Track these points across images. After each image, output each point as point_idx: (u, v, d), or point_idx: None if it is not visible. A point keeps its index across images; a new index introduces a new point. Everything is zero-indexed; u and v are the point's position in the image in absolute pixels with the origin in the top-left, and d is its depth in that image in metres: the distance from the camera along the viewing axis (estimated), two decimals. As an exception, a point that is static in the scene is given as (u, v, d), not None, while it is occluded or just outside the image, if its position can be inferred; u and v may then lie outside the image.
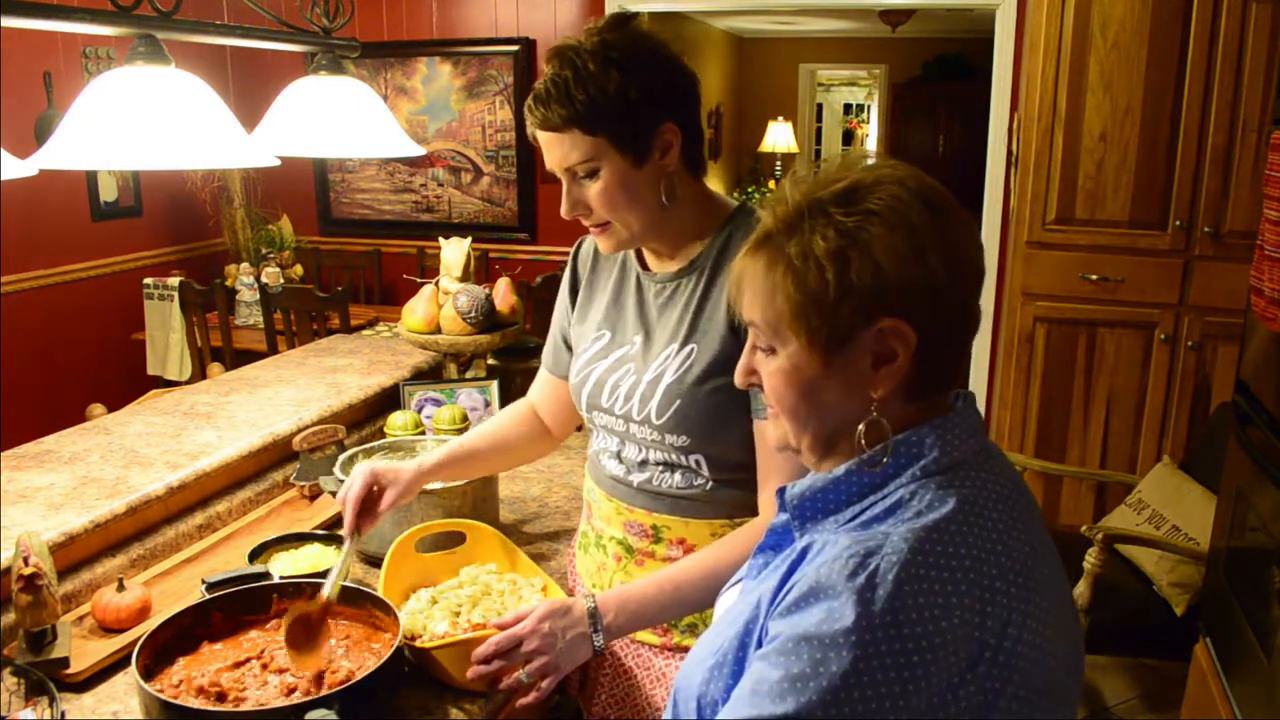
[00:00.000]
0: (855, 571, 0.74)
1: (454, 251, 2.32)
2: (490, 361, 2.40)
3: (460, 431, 1.98)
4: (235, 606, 1.33)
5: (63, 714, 1.21)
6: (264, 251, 4.81)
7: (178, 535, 1.71)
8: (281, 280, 4.52)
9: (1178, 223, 3.10)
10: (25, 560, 1.31)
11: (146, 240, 4.89)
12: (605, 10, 4.43)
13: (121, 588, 1.44)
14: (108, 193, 4.63)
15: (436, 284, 2.28)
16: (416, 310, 2.24)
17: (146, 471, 1.72)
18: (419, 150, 1.87)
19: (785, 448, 0.90)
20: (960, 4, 4.53)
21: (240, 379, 2.31)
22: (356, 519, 1.38)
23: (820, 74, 9.82)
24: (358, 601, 1.34)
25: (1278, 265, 1.95)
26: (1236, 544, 2.18)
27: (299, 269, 4.92)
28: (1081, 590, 2.45)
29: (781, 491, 0.89)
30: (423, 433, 2.01)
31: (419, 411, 2.15)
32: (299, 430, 1.90)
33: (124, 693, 1.31)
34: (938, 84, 8.27)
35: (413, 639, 1.31)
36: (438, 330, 2.24)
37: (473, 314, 2.19)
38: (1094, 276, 3.22)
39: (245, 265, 4.63)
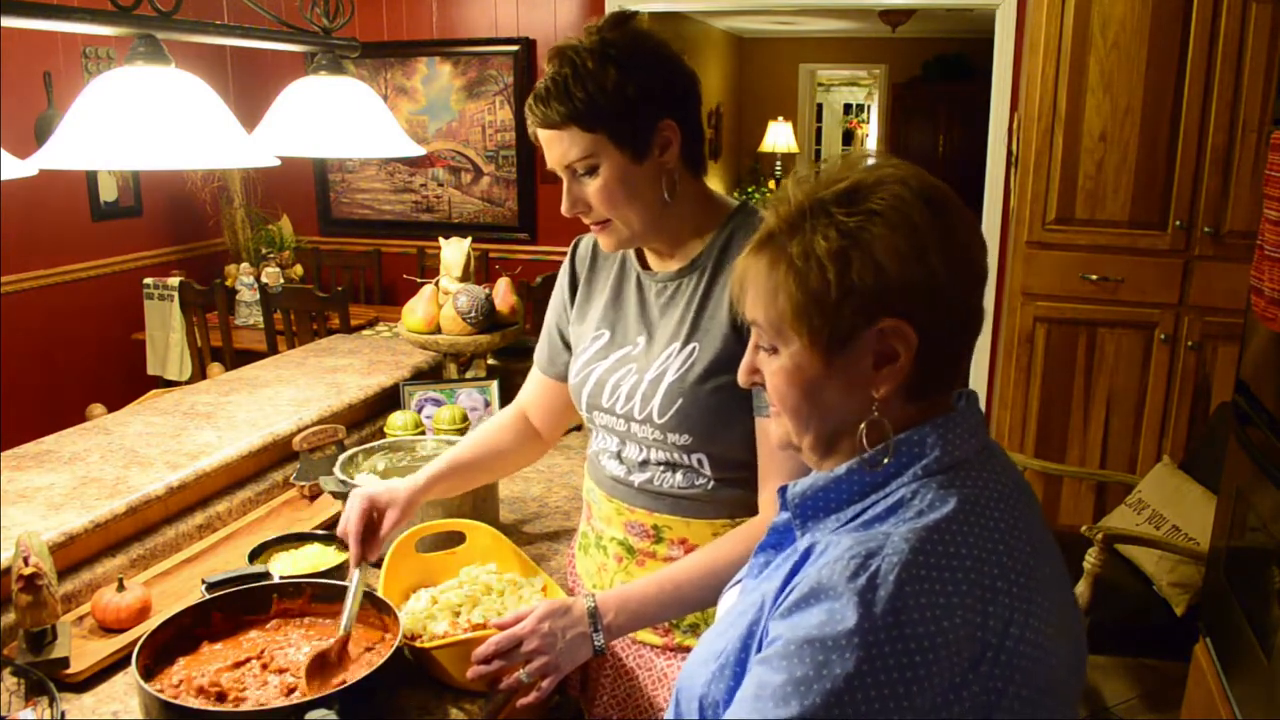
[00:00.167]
0: (856, 573, 0.74)
1: (454, 251, 2.32)
2: (490, 361, 2.40)
3: (461, 431, 1.98)
4: (235, 606, 1.33)
5: (63, 714, 1.21)
6: (264, 251, 4.81)
7: (178, 535, 1.71)
8: (281, 280, 4.52)
9: (1178, 223, 3.10)
10: (25, 560, 1.31)
11: (146, 240, 4.89)
12: (605, 10, 4.43)
13: (121, 588, 1.44)
14: (108, 193, 4.63)
15: (436, 284, 2.28)
16: (416, 310, 2.24)
17: (146, 471, 1.72)
18: (419, 150, 1.87)
19: (787, 446, 0.91)
20: (960, 4, 4.53)
21: (240, 379, 2.31)
22: (361, 549, 1.37)
23: (820, 74, 9.82)
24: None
25: (1278, 265, 1.95)
26: (1236, 544, 2.18)
27: (299, 269, 4.92)
28: (1081, 590, 2.45)
29: (783, 490, 0.89)
30: (423, 433, 2.01)
31: (419, 411, 2.15)
32: (299, 430, 1.90)
33: (124, 693, 1.31)
34: (938, 84, 8.27)
35: (413, 639, 1.31)
36: (438, 330, 2.24)
37: (473, 314, 2.19)
38: (1094, 276, 3.22)
39: (245, 265, 4.63)
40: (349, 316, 3.91)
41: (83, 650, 1.37)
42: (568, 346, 1.49)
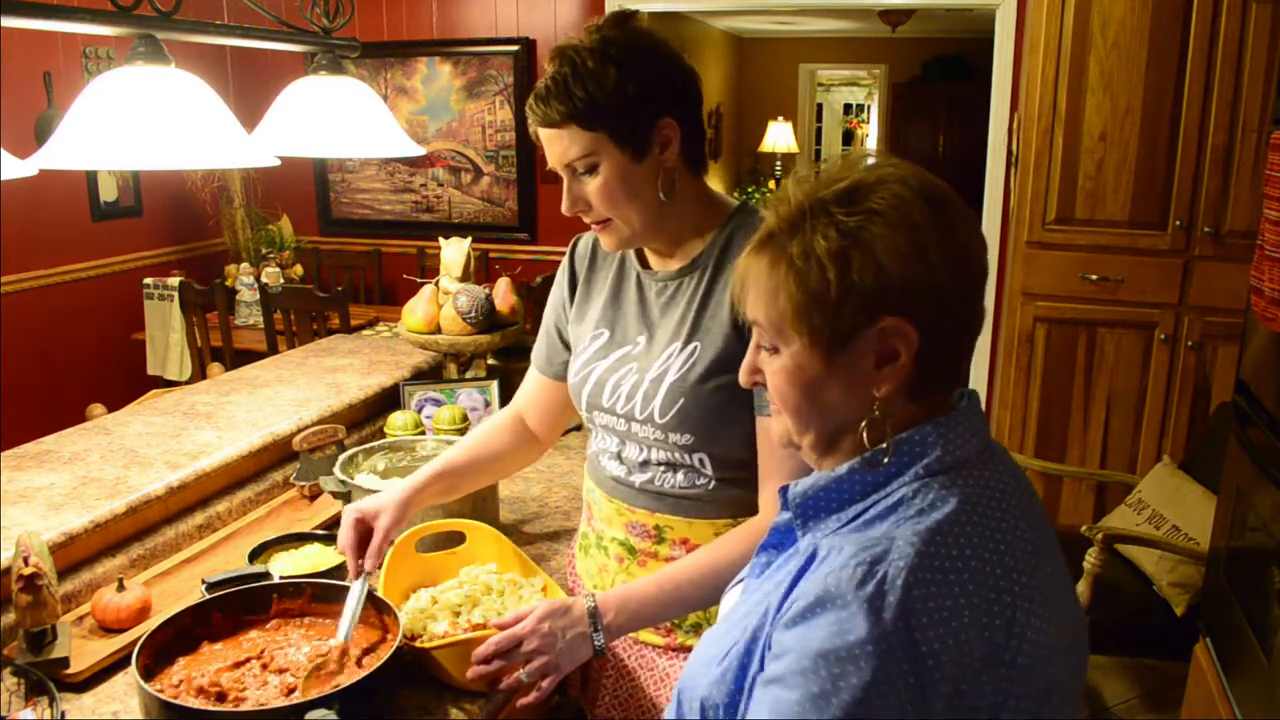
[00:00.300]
0: (864, 580, 0.74)
1: (454, 251, 2.32)
2: (490, 361, 2.40)
3: (461, 432, 1.98)
4: (235, 606, 1.33)
5: (63, 714, 1.21)
6: (264, 251, 4.81)
7: (178, 535, 1.71)
8: (281, 280, 4.52)
9: (1178, 223, 3.10)
10: (25, 560, 1.31)
11: (146, 240, 4.89)
12: (605, 10, 4.43)
13: (121, 588, 1.44)
14: (108, 193, 4.63)
15: (436, 284, 2.28)
16: (416, 310, 2.24)
17: (146, 471, 1.72)
18: (419, 150, 1.87)
19: (788, 444, 0.91)
20: (960, 4, 4.53)
21: (240, 379, 2.31)
22: (358, 561, 1.36)
23: (820, 74, 9.82)
24: (358, 601, 1.34)
25: (1278, 265, 1.95)
26: (1236, 544, 2.18)
27: (299, 269, 4.92)
28: (1081, 590, 2.45)
29: (784, 490, 0.89)
30: (423, 433, 2.01)
31: (419, 411, 2.15)
32: (299, 430, 1.90)
33: (124, 693, 1.31)
34: (938, 84, 8.27)
35: (413, 639, 1.31)
36: (438, 330, 2.24)
37: (473, 314, 2.19)
38: (1094, 276, 3.22)
39: (245, 265, 4.63)
40: (349, 316, 3.91)
41: (83, 650, 1.37)
42: (566, 345, 1.49)
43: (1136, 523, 2.73)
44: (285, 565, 1.55)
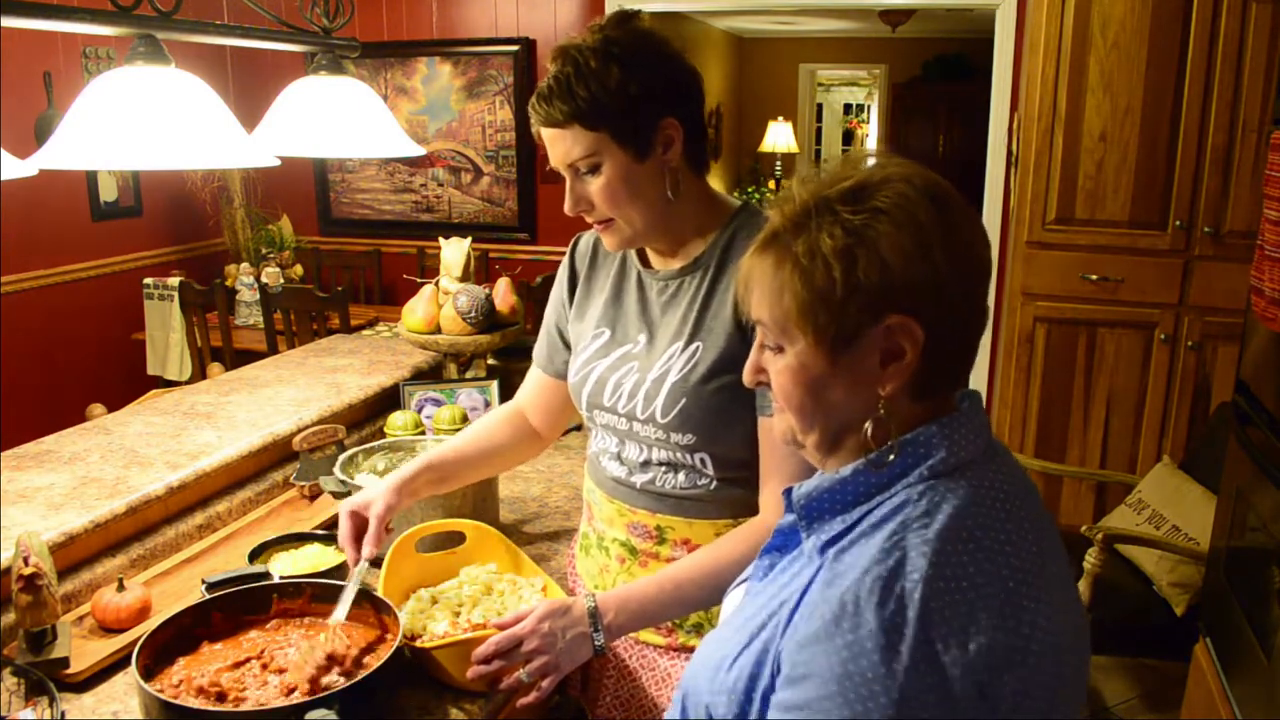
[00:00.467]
0: (883, 599, 0.74)
1: (454, 251, 2.32)
2: (490, 361, 2.40)
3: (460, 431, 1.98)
4: (235, 606, 1.33)
5: (63, 714, 1.21)
6: (264, 251, 4.81)
7: (178, 535, 1.71)
8: (281, 280, 4.52)
9: (1178, 223, 3.10)
10: (25, 560, 1.31)
11: (146, 240, 4.89)
12: (605, 10, 4.43)
13: (121, 588, 1.44)
14: (108, 193, 4.63)
15: (436, 284, 2.28)
16: (416, 310, 2.24)
17: (146, 471, 1.72)
18: (419, 150, 1.87)
19: (792, 443, 0.90)
20: (960, 4, 4.53)
21: (240, 379, 2.31)
22: (356, 551, 1.37)
23: (820, 74, 9.82)
24: (358, 601, 1.33)
25: (1278, 265, 1.95)
26: (1236, 544, 2.18)
27: (299, 269, 4.92)
28: (1082, 590, 2.45)
29: (788, 492, 0.89)
30: (423, 433, 2.01)
31: (419, 411, 2.15)
32: (299, 430, 1.90)
33: (124, 693, 1.31)
34: (938, 84, 8.27)
35: (413, 639, 1.31)
36: (438, 330, 2.24)
37: (473, 314, 2.19)
38: (1094, 276, 3.22)
39: (245, 265, 4.63)
40: (349, 316, 3.91)
41: (83, 650, 1.37)
42: (566, 344, 1.49)
43: (1136, 523, 2.73)
44: (285, 565, 1.55)
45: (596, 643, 1.23)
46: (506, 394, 2.25)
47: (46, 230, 4.29)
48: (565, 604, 1.25)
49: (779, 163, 8.72)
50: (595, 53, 1.21)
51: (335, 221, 5.35)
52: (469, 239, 2.38)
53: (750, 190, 8.33)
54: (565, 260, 1.50)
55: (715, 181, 8.21)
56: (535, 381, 1.56)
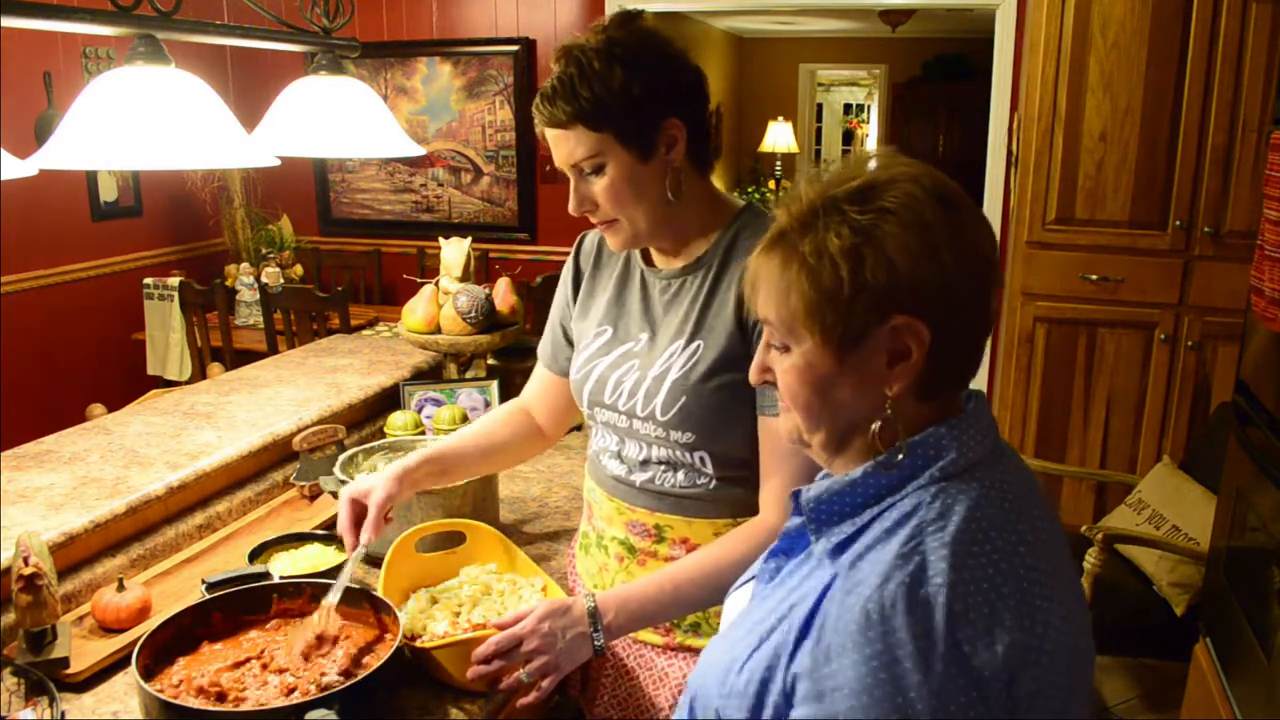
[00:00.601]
0: (909, 606, 0.74)
1: (454, 251, 2.32)
2: (490, 361, 2.40)
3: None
4: (235, 606, 1.33)
5: (63, 714, 1.21)
6: (264, 251, 4.81)
7: (178, 535, 1.71)
8: (281, 280, 4.52)
9: (1178, 223, 3.10)
10: (25, 560, 1.31)
11: (146, 240, 4.89)
12: (605, 10, 4.43)
13: (121, 588, 1.44)
14: (108, 193, 4.63)
15: (436, 284, 2.28)
16: (416, 310, 2.24)
17: (146, 471, 1.72)
18: (419, 150, 1.87)
19: (798, 442, 0.90)
20: (960, 4, 4.53)
21: (240, 379, 2.31)
22: (355, 536, 1.38)
23: (820, 74, 9.82)
24: (358, 601, 1.34)
25: (1278, 265, 1.95)
26: (1236, 544, 2.18)
27: (299, 269, 4.92)
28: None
29: (795, 495, 0.89)
30: (423, 433, 2.01)
31: (419, 411, 2.15)
32: (299, 430, 1.90)
33: (124, 693, 1.31)
34: (938, 84, 8.27)
35: (413, 639, 1.31)
36: (438, 330, 2.24)
37: (473, 314, 2.19)
38: (1094, 276, 3.22)
39: (245, 265, 4.63)
40: (349, 316, 3.91)
41: (83, 650, 1.37)
42: (571, 343, 1.49)
43: (1136, 523, 2.73)
44: (285, 565, 1.55)
45: (596, 643, 1.23)
46: (506, 394, 2.25)
47: (46, 230, 4.29)
48: (565, 604, 1.25)
49: (779, 163, 8.71)
50: (598, 53, 1.21)
51: (335, 221, 5.35)
52: (469, 239, 2.38)
53: (750, 190, 8.33)
54: (570, 259, 1.51)
55: (715, 181, 8.19)
56: (540, 379, 1.57)
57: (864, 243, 0.79)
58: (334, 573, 1.48)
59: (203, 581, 1.43)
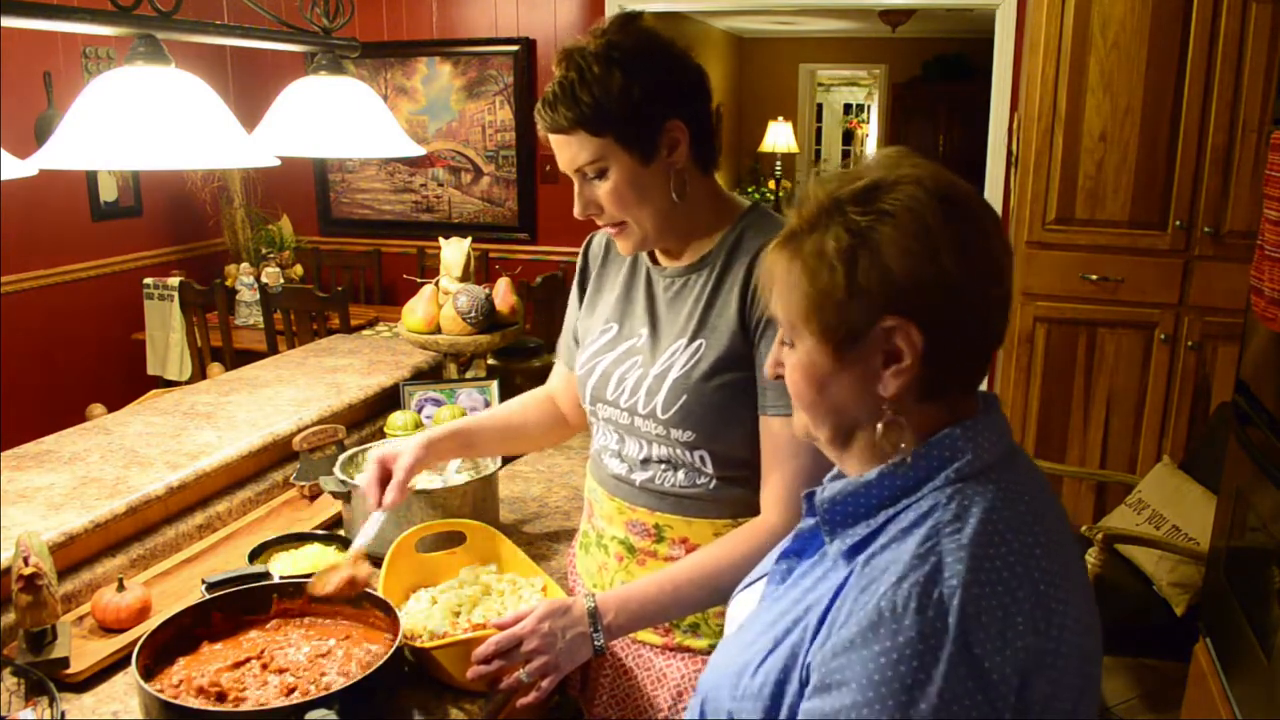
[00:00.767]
0: (922, 605, 0.74)
1: (454, 251, 2.32)
2: (490, 361, 2.40)
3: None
4: (235, 606, 1.33)
5: (63, 714, 1.21)
6: (264, 251, 4.81)
7: (178, 535, 1.71)
8: (281, 280, 4.52)
9: (1178, 223, 3.10)
10: (25, 560, 1.31)
11: (146, 240, 4.89)
12: (605, 10, 4.43)
13: (121, 588, 1.44)
14: (108, 193, 4.63)
15: (436, 284, 2.28)
16: (416, 310, 2.24)
17: (146, 471, 1.72)
18: (419, 150, 1.87)
19: (807, 437, 0.91)
20: (960, 4, 4.53)
21: (240, 379, 2.31)
22: (380, 496, 1.42)
23: (820, 74, 9.82)
24: (358, 601, 1.34)
25: (1278, 265, 1.95)
26: (1236, 544, 2.18)
27: (299, 269, 4.92)
28: (1081, 590, 2.45)
29: (809, 496, 0.89)
30: (423, 433, 2.01)
31: (419, 411, 2.15)
32: (299, 430, 1.90)
33: (124, 693, 1.31)
34: (938, 84, 8.27)
35: (413, 639, 1.31)
36: (438, 330, 2.24)
37: (473, 314, 2.19)
38: (1094, 276, 3.22)
39: (245, 265, 4.63)
40: (349, 316, 3.91)
41: (83, 650, 1.37)
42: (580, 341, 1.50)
43: (1136, 523, 2.73)
44: (285, 565, 1.55)
45: (596, 643, 1.23)
46: (506, 394, 2.24)
47: (46, 230, 4.29)
48: (565, 604, 1.25)
49: (779, 163, 8.71)
50: (598, 57, 1.21)
51: (335, 221, 5.35)
52: (469, 239, 2.38)
53: (750, 190, 8.33)
54: (579, 258, 1.52)
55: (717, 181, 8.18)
56: (560, 375, 1.60)
57: (859, 244, 0.80)
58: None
59: (203, 581, 1.43)
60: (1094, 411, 3.32)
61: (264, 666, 1.23)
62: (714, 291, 1.30)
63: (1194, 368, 3.19)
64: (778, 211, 1.37)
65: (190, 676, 1.20)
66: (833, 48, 8.98)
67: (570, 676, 1.35)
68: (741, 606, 1.01)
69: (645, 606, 1.25)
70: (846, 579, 0.81)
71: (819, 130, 10.67)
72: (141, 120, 1.25)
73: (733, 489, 1.31)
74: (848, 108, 11.39)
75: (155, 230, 4.93)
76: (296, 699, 1.15)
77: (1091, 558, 2.45)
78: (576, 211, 1.30)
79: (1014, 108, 3.90)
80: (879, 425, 0.84)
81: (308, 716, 1.09)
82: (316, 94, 1.72)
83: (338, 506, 1.73)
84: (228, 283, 4.41)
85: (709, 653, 1.33)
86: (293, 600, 1.36)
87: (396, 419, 2.01)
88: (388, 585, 1.39)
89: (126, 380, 4.56)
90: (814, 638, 0.80)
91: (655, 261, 1.40)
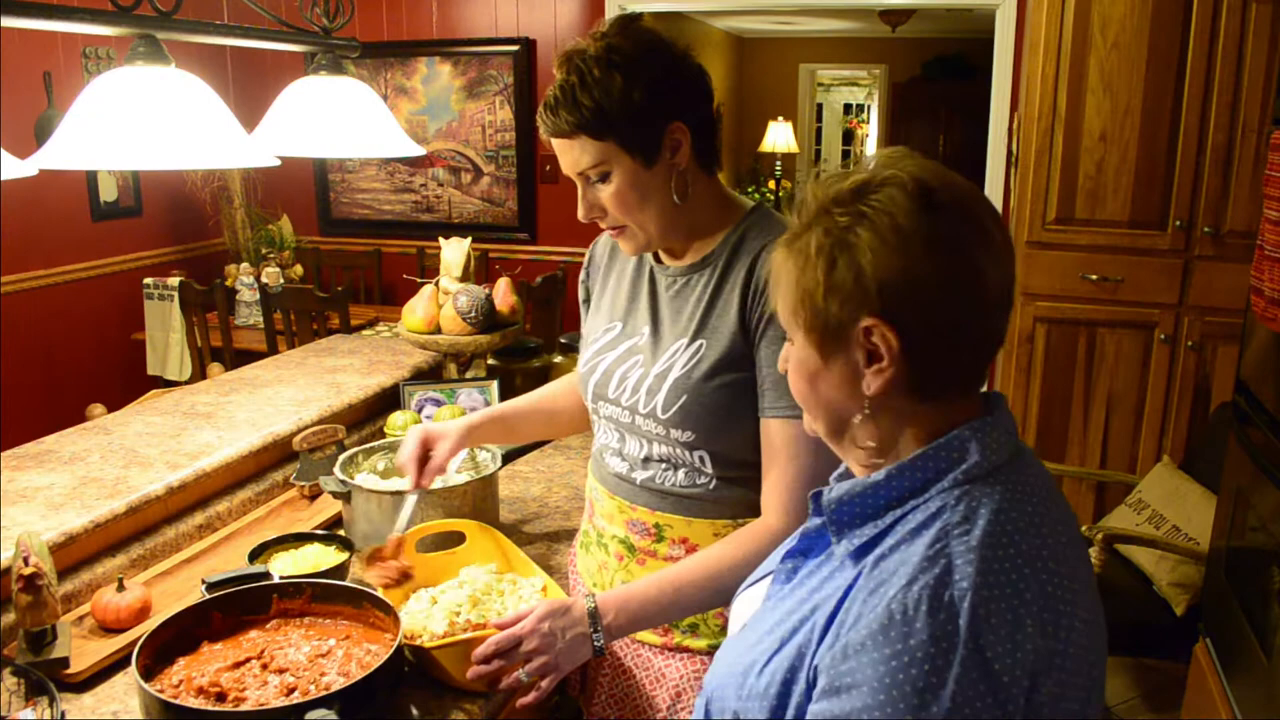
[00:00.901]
0: (933, 607, 0.74)
1: (454, 251, 2.32)
2: (490, 361, 2.40)
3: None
4: (235, 606, 1.33)
5: (63, 714, 1.20)
6: (264, 251, 4.81)
7: (178, 535, 1.71)
8: (281, 280, 4.51)
9: (1178, 223, 3.10)
10: (25, 560, 1.31)
11: (146, 240, 4.89)
12: (605, 10, 4.43)
13: (121, 588, 1.44)
14: (108, 193, 4.63)
15: (436, 284, 2.28)
16: (416, 310, 2.24)
17: (146, 471, 1.72)
18: (419, 150, 1.87)
19: (812, 432, 0.93)
20: (960, 4, 4.53)
21: (240, 379, 2.31)
22: (419, 476, 1.47)
23: (820, 74, 9.82)
24: (358, 601, 1.34)
25: (1278, 265, 1.95)
26: (1236, 544, 2.18)
27: (299, 269, 4.92)
28: (1081, 590, 2.45)
29: (817, 496, 0.89)
30: (423, 433, 2.01)
31: (419, 411, 2.15)
32: (299, 430, 1.90)
33: (124, 693, 1.31)
34: (938, 84, 8.27)
35: (413, 639, 1.31)
36: (438, 330, 2.24)
37: (473, 314, 2.19)
38: (1094, 276, 3.22)
39: (245, 265, 4.63)
40: (349, 316, 3.91)
41: (83, 650, 1.37)
42: None
43: (1136, 523, 2.73)
44: (285, 565, 1.55)
45: (596, 643, 1.23)
46: (506, 394, 2.25)
47: (46, 230, 4.29)
48: (565, 604, 1.25)
49: (779, 163, 8.72)
50: (598, 61, 1.21)
51: (335, 221, 5.35)
52: (469, 239, 2.38)
53: (750, 190, 8.33)
54: (586, 258, 1.53)
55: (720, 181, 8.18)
56: None
57: (836, 245, 0.81)
58: (334, 573, 1.49)
59: (203, 581, 1.42)
60: (1094, 411, 3.32)
61: (264, 666, 1.23)
62: (716, 292, 1.30)
63: (1194, 368, 3.19)
64: (777, 211, 1.38)
65: (190, 676, 1.20)
66: (833, 48, 8.98)
67: (570, 676, 1.36)
68: (746, 605, 1.02)
69: (645, 607, 1.25)
70: (854, 580, 0.81)
71: (819, 130, 10.67)
72: (141, 120, 1.24)
73: (733, 489, 1.31)
74: (848, 108, 11.39)
75: (155, 230, 4.93)
76: (296, 699, 1.15)
77: (1091, 558, 2.45)
78: (580, 215, 1.30)
79: (1014, 108, 3.90)
80: (854, 420, 0.86)
81: (308, 716, 1.09)
82: (316, 94, 1.72)
83: (338, 506, 1.73)
84: (228, 283, 4.41)
85: (708, 652, 1.33)
86: (293, 600, 1.36)
87: (396, 419, 2.01)
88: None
89: (126, 380, 4.56)
90: (821, 638, 0.80)
91: (659, 261, 1.40)
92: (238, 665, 1.23)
